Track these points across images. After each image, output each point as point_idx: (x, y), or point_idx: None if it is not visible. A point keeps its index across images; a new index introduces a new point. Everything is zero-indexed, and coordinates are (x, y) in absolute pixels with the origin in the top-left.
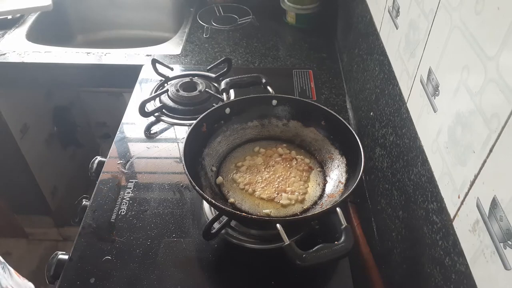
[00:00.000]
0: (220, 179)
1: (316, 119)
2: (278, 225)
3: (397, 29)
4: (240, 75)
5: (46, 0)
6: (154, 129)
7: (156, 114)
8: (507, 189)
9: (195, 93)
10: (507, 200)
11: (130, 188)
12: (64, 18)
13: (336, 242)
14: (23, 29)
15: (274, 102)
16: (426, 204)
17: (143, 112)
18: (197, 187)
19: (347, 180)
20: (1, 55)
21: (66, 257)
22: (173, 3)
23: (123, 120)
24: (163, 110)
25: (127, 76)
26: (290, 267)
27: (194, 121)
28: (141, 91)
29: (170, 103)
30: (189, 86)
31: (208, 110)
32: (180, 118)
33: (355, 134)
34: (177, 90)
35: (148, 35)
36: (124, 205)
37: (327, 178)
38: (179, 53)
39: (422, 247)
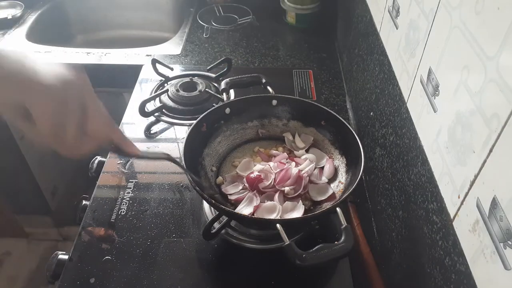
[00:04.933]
0: (220, 179)
1: (316, 119)
2: (278, 225)
3: (397, 29)
4: (240, 75)
5: None
6: (154, 129)
7: (156, 114)
8: (507, 189)
9: (195, 93)
10: (507, 200)
11: (130, 188)
12: (64, 18)
13: (336, 242)
14: (23, 29)
15: (274, 102)
16: (426, 204)
17: (143, 112)
18: (197, 187)
19: (347, 180)
20: None
21: (66, 257)
22: (173, 3)
23: (123, 120)
24: (163, 110)
25: (127, 76)
26: (290, 267)
27: (194, 121)
28: (141, 91)
29: (170, 103)
30: (189, 86)
31: (208, 110)
32: (180, 118)
33: (355, 134)
34: (177, 90)
35: (148, 35)
36: (124, 205)
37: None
38: (179, 53)
39: (422, 247)
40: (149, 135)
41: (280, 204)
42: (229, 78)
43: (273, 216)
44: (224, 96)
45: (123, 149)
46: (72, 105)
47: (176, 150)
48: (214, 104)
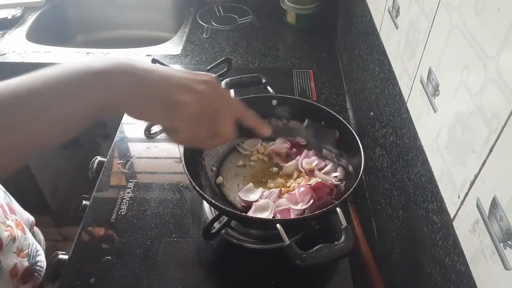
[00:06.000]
0: (220, 179)
1: (316, 119)
2: (278, 225)
3: (397, 29)
4: (240, 75)
5: None
6: (154, 129)
7: None
8: (507, 189)
9: None
10: (507, 200)
11: (130, 188)
12: (64, 18)
13: (336, 242)
14: (23, 29)
15: (274, 102)
16: (426, 204)
17: None
18: (197, 187)
19: (347, 180)
20: (1, 55)
21: (66, 257)
22: (173, 3)
23: (123, 120)
24: None
25: None
26: (290, 267)
27: None
28: None
29: None
30: None
31: None
32: None
33: (355, 134)
34: None
35: (148, 35)
36: (124, 205)
37: None
38: (179, 53)
39: (422, 247)
40: (149, 135)
41: (273, 201)
42: (229, 78)
43: (266, 214)
44: None
45: (257, 131)
46: (209, 111)
47: (176, 150)
48: None
